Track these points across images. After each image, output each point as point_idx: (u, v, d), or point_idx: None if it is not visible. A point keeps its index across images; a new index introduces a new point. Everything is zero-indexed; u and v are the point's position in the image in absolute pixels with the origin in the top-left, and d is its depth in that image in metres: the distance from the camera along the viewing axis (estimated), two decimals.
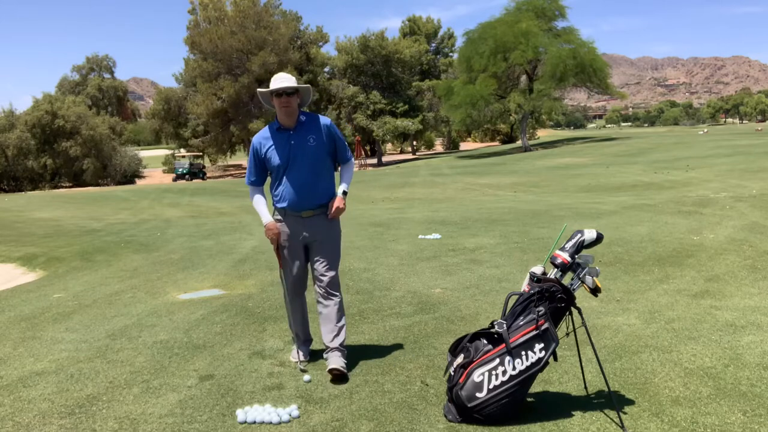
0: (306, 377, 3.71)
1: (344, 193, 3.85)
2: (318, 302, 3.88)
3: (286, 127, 3.76)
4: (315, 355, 4.10)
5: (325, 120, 3.84)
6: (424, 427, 3.04)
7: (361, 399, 3.39)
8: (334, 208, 3.79)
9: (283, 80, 3.71)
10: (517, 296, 3.19)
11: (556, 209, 10.82)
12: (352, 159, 4.04)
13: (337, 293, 3.87)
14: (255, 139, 3.86)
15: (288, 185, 3.76)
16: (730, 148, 23.64)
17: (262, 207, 3.86)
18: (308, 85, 3.87)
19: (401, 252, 7.57)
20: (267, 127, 3.86)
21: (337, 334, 3.80)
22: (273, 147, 3.75)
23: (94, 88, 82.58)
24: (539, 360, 3.03)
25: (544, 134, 71.69)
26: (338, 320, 3.82)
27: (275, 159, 3.75)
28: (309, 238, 3.81)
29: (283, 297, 4.12)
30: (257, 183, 3.90)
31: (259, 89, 3.83)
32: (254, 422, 3.16)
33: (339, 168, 4.05)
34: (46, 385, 3.79)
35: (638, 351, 3.89)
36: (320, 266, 3.82)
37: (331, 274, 3.83)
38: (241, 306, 5.42)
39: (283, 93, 3.66)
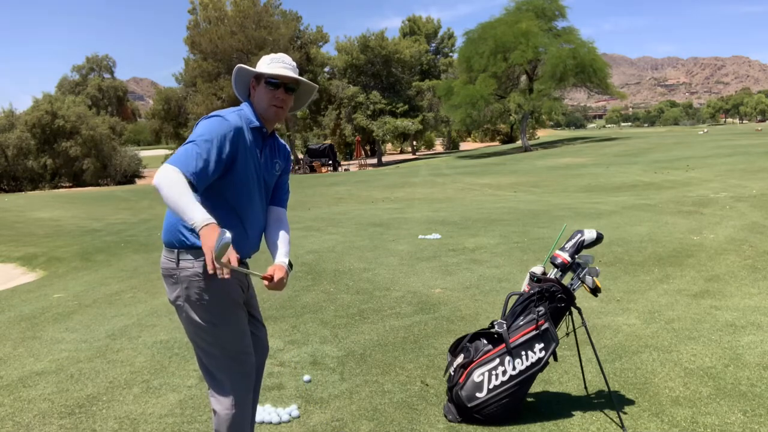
0: (306, 377, 3.71)
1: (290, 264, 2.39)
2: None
3: (263, 130, 2.36)
4: (315, 356, 4.10)
5: (287, 147, 2.55)
6: (424, 427, 3.04)
7: (361, 399, 3.39)
8: (278, 279, 2.24)
9: (286, 67, 2.34)
10: (517, 296, 3.19)
11: (556, 209, 10.81)
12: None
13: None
14: (231, 121, 2.21)
15: (240, 217, 2.30)
16: (730, 148, 23.62)
17: (192, 198, 1.99)
18: (316, 85, 2.51)
19: (401, 252, 7.56)
20: (238, 112, 2.29)
21: None
22: (248, 150, 2.27)
23: (94, 88, 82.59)
24: (539, 360, 3.03)
25: (544, 134, 71.61)
26: None
27: (246, 171, 2.27)
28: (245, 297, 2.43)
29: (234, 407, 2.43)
30: (195, 188, 2.07)
31: (241, 65, 2.34)
32: (254, 422, 3.16)
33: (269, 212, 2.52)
34: (46, 385, 3.79)
35: (638, 351, 3.89)
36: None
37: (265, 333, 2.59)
38: None
39: (281, 85, 2.32)
